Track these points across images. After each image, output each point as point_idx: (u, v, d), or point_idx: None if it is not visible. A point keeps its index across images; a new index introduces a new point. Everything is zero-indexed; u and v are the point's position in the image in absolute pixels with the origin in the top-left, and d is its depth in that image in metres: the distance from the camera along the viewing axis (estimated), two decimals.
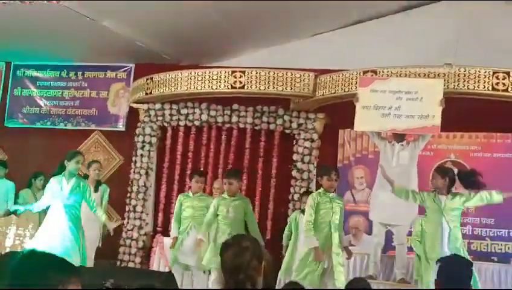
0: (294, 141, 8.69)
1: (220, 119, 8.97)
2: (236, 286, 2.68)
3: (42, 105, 10.24)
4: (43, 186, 9.16)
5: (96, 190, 7.72)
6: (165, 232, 8.83)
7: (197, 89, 8.40)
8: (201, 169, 8.57)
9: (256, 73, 8.14)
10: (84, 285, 2.13)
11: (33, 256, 2.13)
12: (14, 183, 9.16)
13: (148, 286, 3.10)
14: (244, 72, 8.18)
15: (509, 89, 7.00)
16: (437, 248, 6.10)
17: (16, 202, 9.13)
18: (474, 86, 7.05)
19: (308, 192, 7.64)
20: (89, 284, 2.39)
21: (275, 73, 8.11)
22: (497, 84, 7.01)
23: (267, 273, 2.83)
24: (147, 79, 8.86)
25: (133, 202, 9.06)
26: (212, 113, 8.97)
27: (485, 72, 7.04)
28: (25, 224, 8.50)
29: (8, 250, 8.29)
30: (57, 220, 6.65)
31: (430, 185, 6.54)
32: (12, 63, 10.43)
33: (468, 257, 5.59)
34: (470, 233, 8.29)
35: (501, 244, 8.17)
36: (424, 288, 6.22)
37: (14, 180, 9.25)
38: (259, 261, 2.75)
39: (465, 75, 7.07)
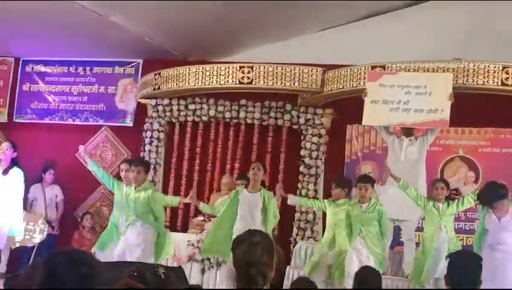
0: (302, 136, 8.68)
1: (227, 115, 8.97)
2: (247, 281, 2.68)
3: (50, 100, 10.26)
4: (53, 181, 9.24)
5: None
6: (173, 228, 8.85)
7: (205, 84, 8.41)
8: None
9: (264, 68, 8.14)
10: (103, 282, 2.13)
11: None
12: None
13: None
14: (252, 68, 8.18)
15: None
16: (433, 250, 6.50)
17: (25, 197, 9.17)
18: (484, 81, 7.02)
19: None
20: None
21: (282, 68, 8.10)
22: (506, 79, 6.98)
23: (278, 268, 2.84)
24: (155, 74, 8.87)
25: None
26: (220, 108, 8.97)
27: (495, 67, 7.01)
28: (35, 219, 8.54)
29: (18, 245, 8.35)
30: None
31: (434, 193, 6.75)
32: (21, 58, 10.45)
33: None
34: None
35: None
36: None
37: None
38: (271, 256, 2.75)
39: (474, 70, 7.03)
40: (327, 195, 8.31)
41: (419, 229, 7.83)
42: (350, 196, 7.18)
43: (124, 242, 6.91)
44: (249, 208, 6.65)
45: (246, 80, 8.18)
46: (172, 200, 7.42)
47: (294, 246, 8.04)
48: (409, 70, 7.23)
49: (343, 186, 6.97)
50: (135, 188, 6.90)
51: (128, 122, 9.89)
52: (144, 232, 6.88)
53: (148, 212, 6.92)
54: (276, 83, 8.11)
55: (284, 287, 7.02)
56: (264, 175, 6.92)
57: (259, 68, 8.15)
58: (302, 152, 8.62)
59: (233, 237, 6.33)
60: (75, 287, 2.03)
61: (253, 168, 6.85)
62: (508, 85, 6.99)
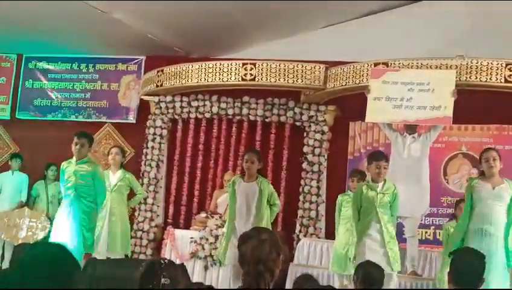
0: (305, 133, 8.68)
1: (230, 112, 8.97)
2: (255, 277, 2.70)
3: (53, 97, 10.27)
4: (56, 178, 9.25)
5: None
6: (176, 224, 8.87)
7: (207, 81, 8.41)
8: None
9: (267, 65, 8.14)
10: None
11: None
12: (27, 176, 9.22)
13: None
14: (254, 64, 8.17)
15: None
16: None
17: (29, 194, 9.20)
18: (487, 78, 7.01)
19: None
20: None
21: (285, 65, 8.10)
22: (509, 76, 6.97)
23: (283, 267, 2.86)
24: (158, 71, 8.87)
25: (144, 194, 9.08)
26: (223, 105, 8.97)
27: (498, 64, 7.00)
28: (38, 216, 8.57)
29: (21, 241, 8.37)
30: None
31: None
32: (24, 55, 10.46)
33: None
34: None
35: None
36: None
37: (25, 172, 9.31)
38: (278, 254, 2.78)
39: (477, 67, 7.03)
40: (330, 192, 8.34)
41: (422, 226, 7.84)
42: None
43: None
44: (246, 198, 6.33)
45: (248, 77, 8.17)
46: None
47: (297, 243, 8.05)
48: (411, 67, 7.22)
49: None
50: (76, 161, 6.45)
51: (131, 119, 9.90)
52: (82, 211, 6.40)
53: (90, 187, 6.47)
54: (279, 79, 8.10)
55: (286, 284, 7.03)
56: (259, 163, 6.41)
57: (262, 65, 8.15)
58: (305, 149, 8.62)
59: (233, 229, 6.32)
60: (46, 287, 1.98)
61: (246, 161, 6.36)
62: (511, 82, 6.97)
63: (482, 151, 5.81)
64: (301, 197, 8.52)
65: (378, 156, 6.09)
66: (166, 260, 2.84)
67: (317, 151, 8.57)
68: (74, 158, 6.52)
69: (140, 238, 8.88)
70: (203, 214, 8.41)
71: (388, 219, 5.94)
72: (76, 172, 6.43)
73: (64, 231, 6.30)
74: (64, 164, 6.59)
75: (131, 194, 7.69)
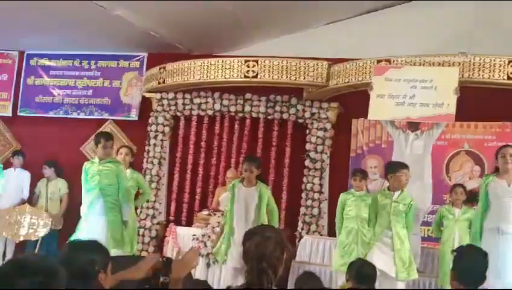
0: (307, 130, 8.66)
1: (232, 109, 8.96)
2: (258, 275, 2.70)
3: (55, 94, 10.26)
4: (50, 175, 9.24)
5: None
6: (178, 222, 8.87)
7: (209, 78, 8.40)
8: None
9: (269, 62, 8.12)
10: None
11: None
12: (29, 173, 9.22)
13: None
14: (257, 61, 8.16)
15: None
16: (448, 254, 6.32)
17: (31, 192, 9.20)
18: (489, 75, 6.99)
19: None
20: None
21: (288, 62, 8.09)
22: None
23: (287, 266, 2.86)
24: (160, 68, 8.86)
25: (150, 195, 9.05)
26: (225, 102, 8.96)
27: (501, 60, 6.98)
28: (39, 213, 8.57)
29: (22, 239, 8.38)
30: None
31: (454, 198, 6.90)
32: (26, 52, 10.45)
33: None
34: None
35: None
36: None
37: (27, 169, 9.31)
38: (282, 251, 2.77)
39: (480, 64, 7.00)
40: (332, 189, 8.33)
41: (424, 223, 7.82)
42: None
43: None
44: (245, 203, 6.43)
45: (251, 74, 8.16)
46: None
47: (299, 241, 8.04)
48: (414, 64, 7.21)
49: (366, 178, 7.19)
50: (100, 160, 6.49)
51: (133, 116, 9.89)
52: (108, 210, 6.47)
53: (113, 186, 6.51)
54: (281, 76, 8.09)
55: (289, 281, 7.03)
56: (258, 170, 6.48)
57: (264, 62, 8.13)
58: (308, 146, 8.60)
59: (232, 231, 6.39)
60: None
61: (245, 171, 6.48)
62: None
63: (499, 147, 5.79)
64: (303, 195, 8.51)
65: (397, 164, 6.26)
66: (164, 258, 2.84)
67: (319, 148, 8.56)
68: (97, 158, 6.57)
69: (143, 235, 8.88)
70: (205, 212, 8.41)
71: (401, 227, 5.98)
72: (101, 171, 6.48)
73: (90, 230, 6.34)
74: (87, 164, 6.66)
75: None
